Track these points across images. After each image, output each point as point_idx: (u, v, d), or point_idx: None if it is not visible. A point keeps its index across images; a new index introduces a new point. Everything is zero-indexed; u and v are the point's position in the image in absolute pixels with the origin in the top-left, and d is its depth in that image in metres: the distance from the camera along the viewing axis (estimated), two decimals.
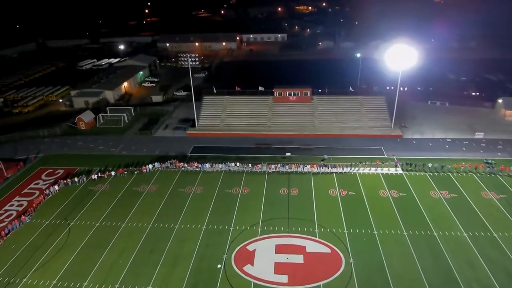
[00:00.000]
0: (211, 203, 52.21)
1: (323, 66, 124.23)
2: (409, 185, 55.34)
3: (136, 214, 50.37)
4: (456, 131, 71.55)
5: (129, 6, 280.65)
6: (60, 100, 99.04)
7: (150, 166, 60.83)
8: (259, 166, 59.89)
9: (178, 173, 59.97)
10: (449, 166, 58.88)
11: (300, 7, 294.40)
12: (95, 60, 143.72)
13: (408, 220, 47.66)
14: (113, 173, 59.74)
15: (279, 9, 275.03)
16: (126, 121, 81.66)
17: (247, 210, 50.57)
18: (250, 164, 59.99)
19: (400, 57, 66.61)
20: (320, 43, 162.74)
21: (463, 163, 58.70)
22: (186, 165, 60.42)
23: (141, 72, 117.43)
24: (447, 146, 66.91)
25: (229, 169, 60.17)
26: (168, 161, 61.35)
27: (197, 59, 71.50)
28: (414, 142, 69.09)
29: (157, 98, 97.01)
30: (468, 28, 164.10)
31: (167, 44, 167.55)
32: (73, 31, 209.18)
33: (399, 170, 59.04)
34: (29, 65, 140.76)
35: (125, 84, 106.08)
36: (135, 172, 59.85)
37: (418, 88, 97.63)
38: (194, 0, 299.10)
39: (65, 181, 58.13)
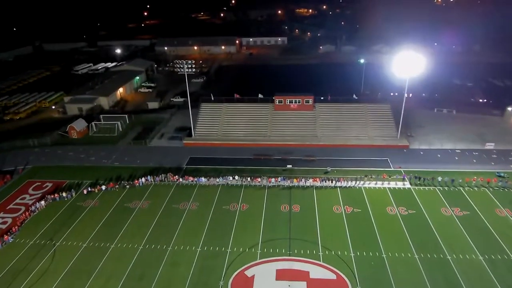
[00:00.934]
0: (207, 221, 48.82)
1: (324, 71, 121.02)
2: (418, 201, 51.94)
3: (126, 234, 46.95)
4: (465, 141, 68.23)
5: (128, 9, 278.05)
6: (53, 107, 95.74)
7: (143, 179, 57.46)
8: (259, 179, 56.49)
9: (173, 187, 56.57)
10: (460, 180, 55.56)
11: (300, 10, 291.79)
12: (91, 64, 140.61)
13: (419, 241, 44.24)
14: (103, 187, 56.35)
15: (279, 11, 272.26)
16: (120, 129, 78.34)
17: (245, 229, 47.17)
18: (249, 178, 56.53)
19: (406, 64, 63.30)
20: (321, 47, 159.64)
21: (475, 177, 55.32)
22: (181, 179, 57.02)
23: (138, 77, 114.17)
24: (456, 158, 63.55)
25: (227, 183, 56.81)
26: (162, 175, 58.00)
27: (193, 66, 68.14)
28: (422, 153, 65.74)
29: (153, 105, 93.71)
30: (472, 31, 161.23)
31: (165, 48, 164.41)
32: (71, 34, 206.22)
33: (407, 184, 55.68)
34: (24, 69, 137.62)
35: (121, 90, 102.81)
36: (127, 187, 56.40)
37: (423, 95, 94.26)
38: (194, 2, 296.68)
39: (52, 196, 54.78)
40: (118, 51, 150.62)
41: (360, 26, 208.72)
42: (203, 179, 56.68)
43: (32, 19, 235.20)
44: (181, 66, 67.14)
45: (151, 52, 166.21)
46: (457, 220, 47.99)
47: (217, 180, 56.78)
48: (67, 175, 61.51)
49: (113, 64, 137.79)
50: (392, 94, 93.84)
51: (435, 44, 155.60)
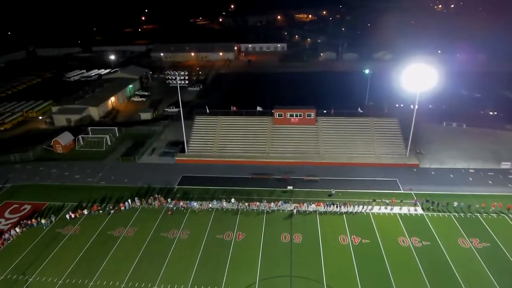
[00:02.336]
0: (199, 254, 43.73)
1: (326, 80, 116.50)
2: (433, 230, 47.01)
3: (108, 269, 41.83)
4: (479, 160, 63.34)
5: (126, 13, 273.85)
6: (40, 118, 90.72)
7: (129, 201, 52.35)
8: (256, 204, 51.48)
9: (162, 211, 51.47)
10: (477, 205, 50.67)
11: (300, 15, 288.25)
12: (84, 71, 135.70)
13: (437, 280, 39.29)
14: (85, 211, 51.27)
15: (279, 17, 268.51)
16: (109, 143, 73.34)
17: (241, 264, 42.12)
18: (246, 203, 51.45)
19: (417, 77, 58.56)
20: (321, 54, 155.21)
21: (494, 203, 50.43)
22: (170, 205, 51.80)
23: (131, 86, 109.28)
24: (470, 179, 58.69)
25: (222, 207, 51.77)
26: (151, 198, 52.99)
27: (186, 78, 63.34)
28: (433, 172, 60.84)
29: (145, 116, 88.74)
30: (476, 38, 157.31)
31: (162, 54, 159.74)
32: (66, 39, 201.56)
33: (419, 210, 50.77)
34: (15, 75, 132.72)
35: (112, 99, 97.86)
36: (111, 212, 51.22)
37: (430, 106, 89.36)
38: (193, 7, 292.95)
39: (29, 222, 49.65)
40: (112, 57, 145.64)
41: (361, 32, 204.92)
42: (195, 204, 51.53)
43: (27, 23, 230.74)
44: (173, 77, 62.02)
45: (147, 58, 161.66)
46: (477, 254, 43.10)
47: (210, 205, 51.71)
48: (48, 196, 56.44)
49: (107, 71, 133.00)
50: (397, 105, 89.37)
51: (439, 51, 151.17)
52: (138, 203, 52.29)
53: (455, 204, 50.51)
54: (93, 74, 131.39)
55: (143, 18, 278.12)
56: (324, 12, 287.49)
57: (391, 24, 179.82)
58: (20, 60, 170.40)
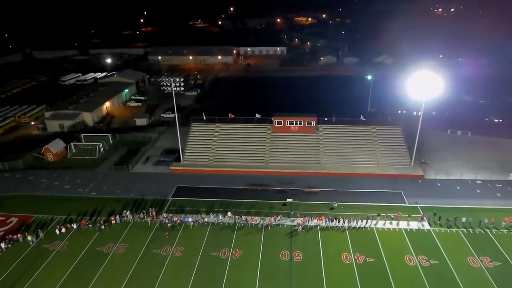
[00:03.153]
0: (193, 273, 41.09)
1: (326, 84, 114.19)
2: (441, 247, 44.48)
3: None
4: (486, 170, 60.90)
5: (125, 16, 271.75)
6: (32, 123, 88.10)
7: (124, 212, 49.81)
8: (255, 218, 48.94)
9: (154, 226, 48.86)
10: (486, 221, 48.18)
11: (300, 18, 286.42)
12: (80, 74, 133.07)
13: None
14: (74, 225, 48.65)
15: (278, 20, 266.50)
16: (102, 151, 70.73)
17: (238, 284, 39.61)
18: (244, 217, 48.90)
19: (423, 85, 56.25)
20: (321, 58, 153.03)
21: (505, 218, 47.96)
22: (165, 220, 49.14)
23: (127, 90, 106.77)
24: (478, 191, 56.22)
25: (218, 221, 49.20)
26: (143, 211, 50.39)
27: (182, 84, 60.92)
28: (439, 184, 58.35)
29: (141, 121, 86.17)
30: (478, 42, 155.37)
31: (159, 57, 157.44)
32: (63, 41, 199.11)
33: (426, 225, 48.26)
34: (10, 78, 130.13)
35: (107, 104, 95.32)
36: (102, 228, 48.50)
37: (433, 113, 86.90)
38: (192, 10, 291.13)
39: (15, 237, 47.00)
40: (108, 60, 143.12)
41: (361, 36, 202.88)
42: (189, 219, 48.86)
43: (24, 25, 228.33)
44: (168, 84, 59.61)
45: (145, 61, 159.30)
46: (488, 274, 40.56)
47: (206, 219, 49.09)
48: (36, 208, 53.75)
49: (103, 74, 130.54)
50: (399, 112, 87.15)
51: (440, 56, 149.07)
52: (130, 217, 49.66)
53: (464, 219, 47.95)
54: (89, 77, 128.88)
55: (141, 20, 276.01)
56: (324, 16, 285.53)
57: (391, 27, 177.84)
58: (16, 62, 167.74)
